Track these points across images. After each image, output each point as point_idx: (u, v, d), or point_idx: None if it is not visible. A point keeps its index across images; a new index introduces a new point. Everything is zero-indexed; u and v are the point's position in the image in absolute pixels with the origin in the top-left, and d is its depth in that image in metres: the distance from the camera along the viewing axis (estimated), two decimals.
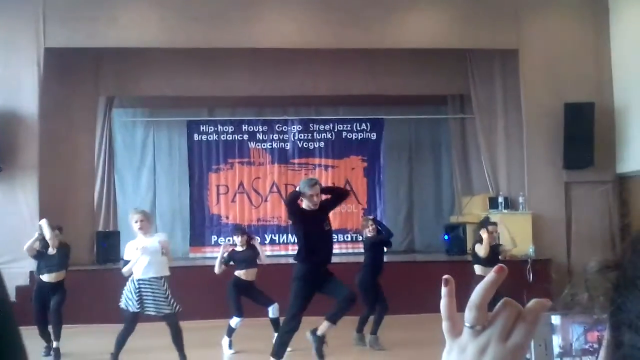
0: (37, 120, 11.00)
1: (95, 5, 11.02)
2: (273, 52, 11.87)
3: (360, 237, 9.81)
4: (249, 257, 8.58)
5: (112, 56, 12.28)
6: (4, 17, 10.99)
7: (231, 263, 8.56)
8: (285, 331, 7.03)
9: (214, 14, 11.21)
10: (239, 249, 8.69)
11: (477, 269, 7.93)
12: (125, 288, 7.21)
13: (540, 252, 11.07)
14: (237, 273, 8.52)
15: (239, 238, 8.69)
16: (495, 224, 8.30)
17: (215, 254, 13.20)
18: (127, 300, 7.14)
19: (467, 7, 11.62)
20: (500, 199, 12.02)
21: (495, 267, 0.84)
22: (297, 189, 7.16)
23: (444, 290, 0.87)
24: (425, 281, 8.65)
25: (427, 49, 11.94)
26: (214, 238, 13.49)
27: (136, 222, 7.13)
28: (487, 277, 0.84)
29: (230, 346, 8.50)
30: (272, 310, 8.43)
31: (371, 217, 9.57)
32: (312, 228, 6.97)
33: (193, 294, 9.59)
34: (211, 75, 12.62)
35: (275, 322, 8.43)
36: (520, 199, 11.72)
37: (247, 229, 10.02)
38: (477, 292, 0.84)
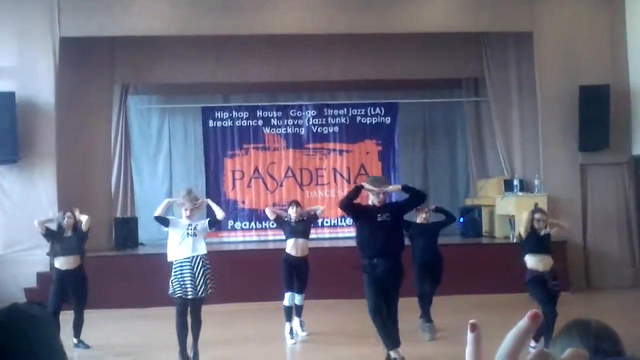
0: (53, 109, 11.07)
1: None
2: (287, 37, 11.87)
3: None
4: (301, 229, 8.23)
5: (127, 44, 12.35)
6: (20, 7, 11.04)
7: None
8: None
9: (226, 1, 11.23)
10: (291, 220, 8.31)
11: (529, 260, 7.29)
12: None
13: (556, 233, 11.04)
14: (288, 250, 8.18)
15: (294, 209, 8.29)
16: (544, 212, 7.69)
17: (232, 239, 13.40)
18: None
19: None
20: (516, 182, 12.00)
21: (530, 313, 0.73)
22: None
23: (470, 336, 0.76)
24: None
25: (440, 33, 11.91)
26: (230, 223, 13.59)
27: (186, 210, 6.90)
28: (520, 324, 0.73)
29: (292, 334, 8.04)
30: (298, 299, 8.21)
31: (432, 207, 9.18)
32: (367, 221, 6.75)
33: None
34: (225, 62, 12.67)
35: (298, 308, 8.31)
36: (536, 182, 11.71)
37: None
38: (508, 341, 0.73)
